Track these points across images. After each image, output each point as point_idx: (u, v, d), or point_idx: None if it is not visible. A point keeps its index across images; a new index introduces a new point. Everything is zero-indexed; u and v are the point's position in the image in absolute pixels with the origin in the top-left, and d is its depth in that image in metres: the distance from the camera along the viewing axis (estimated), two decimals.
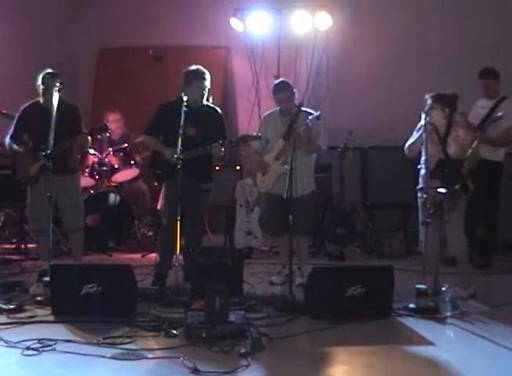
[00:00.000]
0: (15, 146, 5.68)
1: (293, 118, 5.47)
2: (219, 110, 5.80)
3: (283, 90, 5.73)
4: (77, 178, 5.99)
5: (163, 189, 5.97)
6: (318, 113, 5.63)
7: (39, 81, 5.59)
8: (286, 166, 5.31)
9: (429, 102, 5.17)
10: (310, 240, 6.55)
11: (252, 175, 6.46)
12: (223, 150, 5.48)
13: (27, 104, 5.74)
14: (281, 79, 6.05)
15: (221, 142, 5.43)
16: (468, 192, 5.03)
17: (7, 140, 5.74)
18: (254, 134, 5.74)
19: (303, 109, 5.62)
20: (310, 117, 5.57)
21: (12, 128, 5.74)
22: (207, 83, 5.61)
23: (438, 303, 4.81)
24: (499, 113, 6.02)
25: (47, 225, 5.11)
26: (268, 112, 6.01)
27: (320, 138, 5.74)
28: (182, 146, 5.24)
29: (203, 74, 5.60)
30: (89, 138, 5.64)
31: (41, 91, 5.61)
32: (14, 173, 5.83)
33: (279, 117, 5.78)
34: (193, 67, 5.64)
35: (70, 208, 5.78)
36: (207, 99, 5.71)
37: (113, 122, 7.69)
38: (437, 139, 5.17)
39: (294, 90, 5.78)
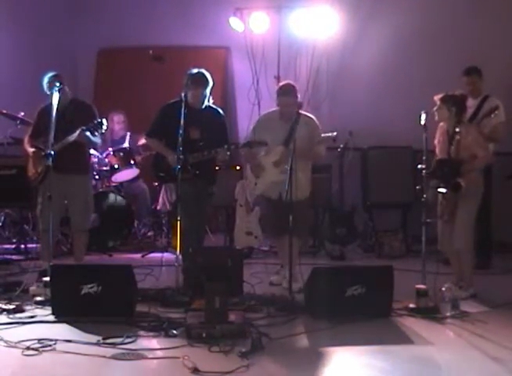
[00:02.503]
0: (29, 148, 5.75)
1: (294, 124, 5.30)
2: (222, 112, 5.78)
3: (288, 94, 5.53)
4: (87, 179, 6.00)
5: (162, 189, 5.97)
6: (335, 134, 5.50)
7: (45, 85, 5.60)
8: (286, 166, 5.23)
9: (437, 103, 5.24)
10: (310, 240, 6.53)
11: (245, 173, 6.28)
12: (228, 153, 5.47)
13: (42, 105, 5.77)
14: (287, 81, 5.79)
15: (226, 146, 5.41)
16: (458, 191, 5.03)
17: (26, 138, 5.85)
18: (260, 140, 5.54)
19: (303, 113, 5.49)
20: (324, 135, 5.50)
21: (31, 128, 5.89)
22: (207, 90, 5.53)
23: (437, 303, 4.81)
24: (493, 105, 6.05)
25: (49, 224, 5.13)
26: (266, 112, 5.91)
27: (322, 146, 5.64)
28: (186, 149, 5.21)
29: (203, 80, 5.51)
30: (88, 133, 5.54)
31: (48, 94, 5.60)
32: (26, 172, 5.88)
33: (279, 122, 5.60)
34: (195, 71, 5.55)
35: (79, 209, 5.79)
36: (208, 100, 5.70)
37: (118, 123, 7.73)
38: (447, 139, 5.23)
39: (298, 94, 5.59)
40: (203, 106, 5.60)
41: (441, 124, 5.34)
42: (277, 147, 5.53)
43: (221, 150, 5.42)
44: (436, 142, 5.37)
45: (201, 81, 5.53)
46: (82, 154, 5.79)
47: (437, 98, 5.25)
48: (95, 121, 5.50)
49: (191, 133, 5.37)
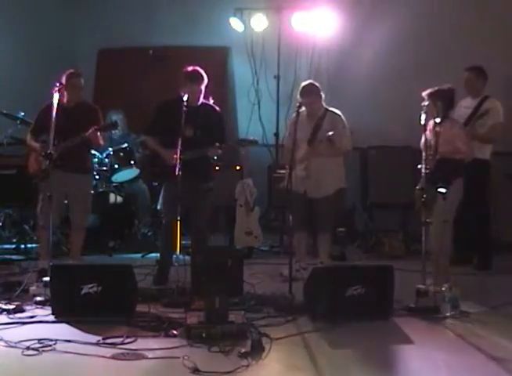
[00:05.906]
0: (34, 143, 5.78)
1: (318, 123, 5.66)
2: (218, 109, 5.80)
3: (306, 94, 5.83)
4: (89, 179, 6.09)
5: (163, 189, 5.96)
6: (331, 133, 5.73)
7: (63, 81, 5.63)
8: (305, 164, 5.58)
9: (425, 98, 5.28)
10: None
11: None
12: (220, 151, 5.54)
13: (49, 101, 5.76)
14: (309, 81, 6.04)
15: (218, 144, 5.48)
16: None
17: (28, 135, 5.88)
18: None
19: (330, 109, 5.82)
20: (328, 134, 5.73)
21: (33, 123, 5.93)
22: (201, 86, 5.57)
23: (437, 303, 4.81)
24: (486, 108, 6.06)
25: (49, 222, 5.15)
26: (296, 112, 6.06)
27: (344, 140, 5.85)
28: (180, 146, 5.25)
29: (198, 77, 5.57)
30: (98, 134, 5.72)
31: (63, 90, 5.62)
32: (26, 168, 5.90)
33: (306, 119, 5.88)
34: (189, 69, 5.63)
35: (80, 208, 5.87)
36: (208, 99, 5.73)
37: None
38: (433, 133, 5.25)
39: (321, 93, 5.87)
40: (199, 103, 5.62)
41: (431, 121, 5.33)
42: (303, 144, 5.83)
43: (211, 148, 5.50)
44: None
45: (196, 77, 5.58)
46: (85, 154, 5.86)
47: (424, 94, 5.29)
48: (110, 122, 5.61)
49: (185, 131, 5.39)
